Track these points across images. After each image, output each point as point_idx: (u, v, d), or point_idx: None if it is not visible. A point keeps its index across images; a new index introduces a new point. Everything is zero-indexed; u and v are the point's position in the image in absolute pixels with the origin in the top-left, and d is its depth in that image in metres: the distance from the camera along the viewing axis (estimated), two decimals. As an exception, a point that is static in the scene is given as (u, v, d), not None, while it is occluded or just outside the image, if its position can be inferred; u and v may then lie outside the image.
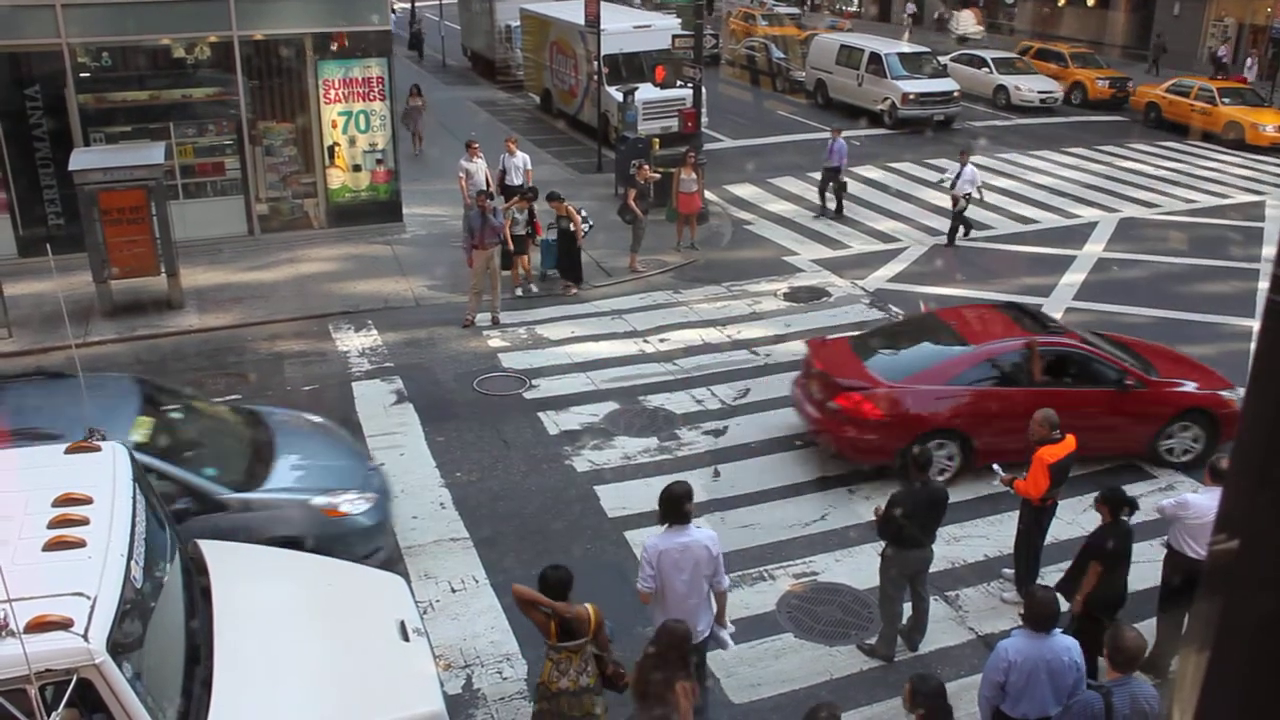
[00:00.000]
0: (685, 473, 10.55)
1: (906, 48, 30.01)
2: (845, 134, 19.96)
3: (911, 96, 27.64)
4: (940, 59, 30.44)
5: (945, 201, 21.51)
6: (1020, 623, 6.75)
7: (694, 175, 17.95)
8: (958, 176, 18.61)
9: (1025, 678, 6.39)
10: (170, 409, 8.81)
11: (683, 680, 6.25)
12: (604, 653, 6.82)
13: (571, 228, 15.94)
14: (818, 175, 23.26)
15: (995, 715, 6.65)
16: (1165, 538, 8.49)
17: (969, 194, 18.71)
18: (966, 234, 19.22)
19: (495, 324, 15.01)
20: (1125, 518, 7.96)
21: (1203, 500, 7.97)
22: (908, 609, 8.64)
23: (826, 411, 10.96)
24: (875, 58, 28.57)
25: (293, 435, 9.27)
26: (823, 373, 11.20)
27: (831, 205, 20.53)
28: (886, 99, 28.08)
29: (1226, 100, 27.68)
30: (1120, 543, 7.87)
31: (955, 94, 28.31)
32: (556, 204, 15.95)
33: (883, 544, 8.48)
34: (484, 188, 18.05)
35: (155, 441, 8.08)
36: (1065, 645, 6.49)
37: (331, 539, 8.32)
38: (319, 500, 8.54)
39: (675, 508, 7.09)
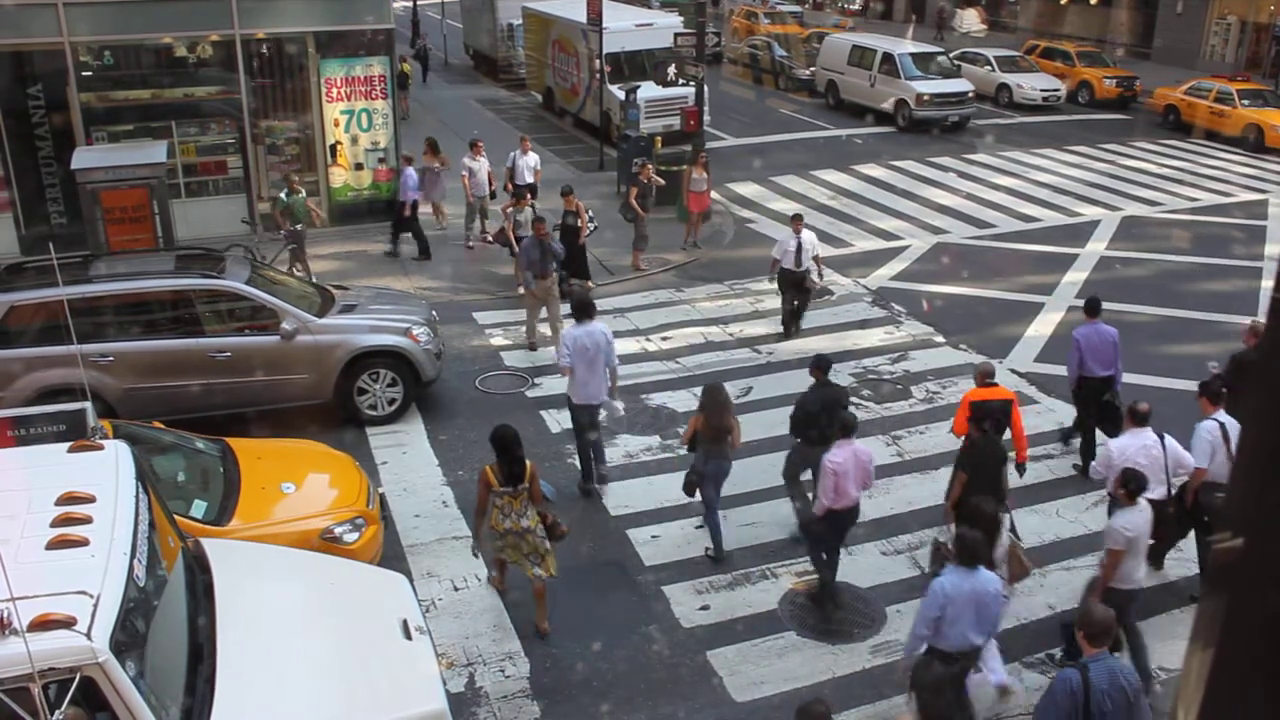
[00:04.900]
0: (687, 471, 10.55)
1: (920, 47, 29.72)
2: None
3: (926, 97, 27.22)
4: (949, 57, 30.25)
5: (949, 200, 21.55)
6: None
7: (705, 174, 17.92)
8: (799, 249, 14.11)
9: (957, 610, 6.83)
10: None
11: (731, 418, 9.32)
12: (537, 503, 8.33)
13: (578, 224, 15.89)
14: (820, 174, 23.38)
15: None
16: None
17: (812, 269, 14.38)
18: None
19: (532, 348, 14.14)
20: (987, 429, 8.96)
21: (1123, 440, 8.60)
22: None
23: None
24: (888, 58, 28.17)
25: None
26: None
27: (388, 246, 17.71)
28: (900, 100, 27.77)
29: (1245, 102, 27.22)
30: (978, 457, 8.79)
31: (970, 94, 27.83)
32: (568, 198, 15.91)
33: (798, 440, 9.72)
34: (487, 188, 18.04)
35: None
36: (990, 578, 6.99)
37: None
38: None
39: (587, 308, 10.34)
